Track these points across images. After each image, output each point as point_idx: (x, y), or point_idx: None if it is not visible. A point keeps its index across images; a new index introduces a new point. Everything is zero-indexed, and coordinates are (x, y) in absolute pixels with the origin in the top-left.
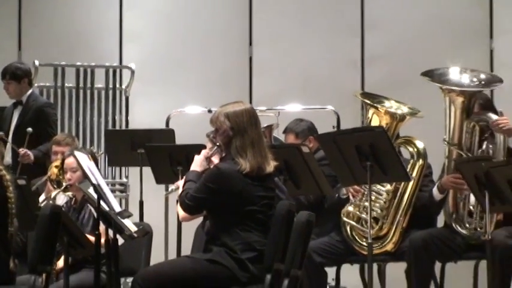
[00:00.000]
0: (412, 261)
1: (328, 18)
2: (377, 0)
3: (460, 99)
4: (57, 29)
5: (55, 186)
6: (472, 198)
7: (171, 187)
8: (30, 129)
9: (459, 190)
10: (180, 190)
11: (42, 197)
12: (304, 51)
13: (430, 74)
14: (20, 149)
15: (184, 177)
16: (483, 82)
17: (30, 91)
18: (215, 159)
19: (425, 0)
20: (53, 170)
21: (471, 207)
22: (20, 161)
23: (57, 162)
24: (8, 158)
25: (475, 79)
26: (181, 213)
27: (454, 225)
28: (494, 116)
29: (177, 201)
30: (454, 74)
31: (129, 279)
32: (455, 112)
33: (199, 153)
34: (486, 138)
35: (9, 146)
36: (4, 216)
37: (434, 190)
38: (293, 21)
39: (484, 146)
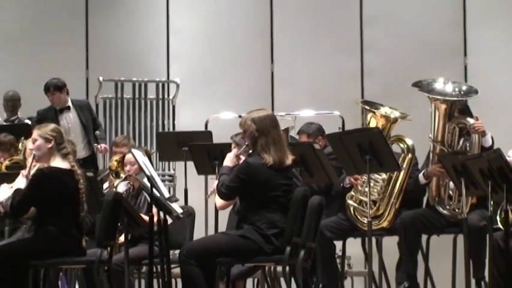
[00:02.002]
0: (403, 235)
1: (334, 40)
2: (373, 26)
3: (443, 106)
4: (117, 50)
5: (113, 176)
6: (451, 184)
7: (210, 190)
8: (98, 132)
9: (441, 178)
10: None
11: (105, 185)
12: (315, 67)
13: (419, 85)
14: (101, 145)
15: (219, 172)
16: (462, 92)
17: (68, 98)
18: (243, 156)
19: (411, 25)
20: (114, 163)
21: (450, 192)
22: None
23: (117, 157)
24: (84, 152)
25: (456, 89)
26: (219, 203)
27: (436, 206)
28: (471, 120)
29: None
30: (439, 85)
31: (177, 251)
32: (439, 116)
33: (230, 151)
34: (464, 137)
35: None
36: (76, 203)
37: (420, 176)
38: (305, 43)
39: (461, 143)
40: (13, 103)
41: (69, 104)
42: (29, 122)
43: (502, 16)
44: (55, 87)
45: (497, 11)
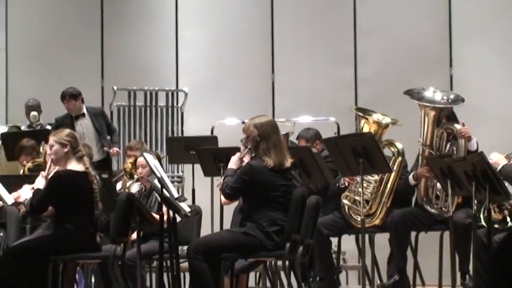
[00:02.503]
0: (394, 232)
1: (330, 52)
2: (366, 39)
3: (432, 113)
4: (130, 61)
5: (128, 177)
6: (439, 185)
7: (219, 180)
8: (109, 137)
9: (429, 179)
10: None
11: (118, 186)
12: (312, 76)
13: (410, 93)
14: (113, 149)
15: (224, 173)
16: (450, 100)
17: (83, 105)
18: (246, 159)
19: (401, 38)
20: (128, 165)
21: (438, 192)
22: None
23: (131, 159)
24: (98, 156)
25: (444, 97)
26: (223, 200)
27: (425, 205)
28: (458, 126)
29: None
30: (429, 93)
31: (185, 247)
32: (428, 122)
33: (234, 154)
34: (451, 141)
35: (96, 147)
36: (91, 202)
37: (410, 178)
38: (304, 54)
39: (448, 147)
40: (34, 110)
41: (84, 111)
42: (50, 128)
43: (484, 31)
44: (70, 96)
45: (480, 26)
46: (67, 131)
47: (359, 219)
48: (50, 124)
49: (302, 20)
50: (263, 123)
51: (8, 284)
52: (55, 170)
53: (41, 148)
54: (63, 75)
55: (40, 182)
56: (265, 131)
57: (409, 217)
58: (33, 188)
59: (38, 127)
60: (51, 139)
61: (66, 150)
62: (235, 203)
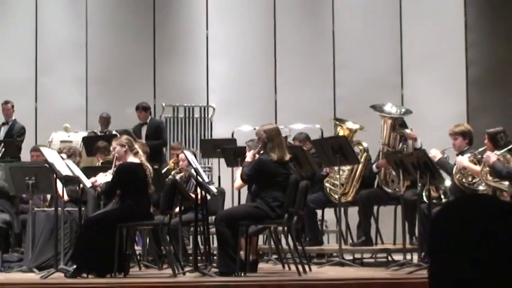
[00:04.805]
0: (361, 206)
1: (316, 79)
2: (341, 69)
3: (389, 121)
4: (175, 85)
5: (173, 168)
6: (393, 172)
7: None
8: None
9: (387, 168)
10: (239, 172)
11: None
12: (304, 96)
13: (373, 107)
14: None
15: (242, 165)
16: (402, 112)
17: (149, 117)
18: (257, 155)
19: (367, 68)
20: (174, 159)
21: (393, 178)
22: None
23: (174, 157)
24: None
25: (398, 110)
26: (237, 184)
27: (383, 187)
28: (408, 131)
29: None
30: (387, 107)
31: (213, 217)
32: (387, 128)
33: (249, 151)
34: (402, 142)
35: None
36: (146, 185)
37: (373, 167)
38: (298, 81)
39: (400, 146)
40: (106, 120)
41: (147, 120)
42: (117, 134)
43: (426, 62)
44: (142, 108)
45: (423, 59)
46: (124, 136)
47: (337, 197)
48: (116, 130)
49: (297, 56)
50: (270, 128)
51: (88, 244)
52: (119, 163)
53: (111, 148)
54: (126, 95)
55: (102, 177)
56: (271, 135)
57: (372, 195)
58: (105, 175)
59: (107, 132)
60: (114, 143)
61: (124, 149)
62: (245, 188)
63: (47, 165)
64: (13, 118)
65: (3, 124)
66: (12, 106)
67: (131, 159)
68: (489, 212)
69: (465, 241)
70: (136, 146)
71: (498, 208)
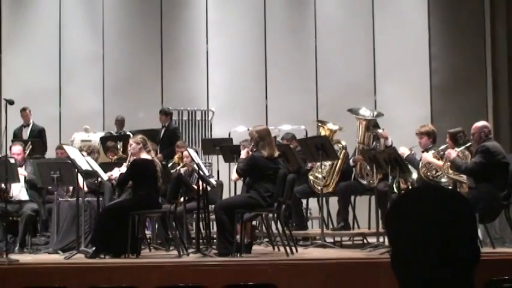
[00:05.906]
0: (340, 195)
1: (301, 86)
2: (322, 78)
3: (364, 122)
4: (179, 91)
5: (178, 163)
6: (368, 167)
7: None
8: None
9: (362, 163)
10: (236, 167)
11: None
12: (291, 101)
13: (350, 110)
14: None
15: (237, 161)
16: (375, 115)
17: (169, 121)
18: (250, 152)
19: (343, 76)
20: (179, 155)
21: (367, 171)
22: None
23: (179, 154)
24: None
25: (371, 113)
26: (233, 177)
27: (359, 179)
28: (380, 131)
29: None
30: (362, 110)
31: (212, 206)
32: (362, 128)
33: (243, 149)
34: (375, 140)
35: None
36: (155, 178)
37: (350, 162)
38: (286, 88)
39: (374, 144)
40: (121, 123)
41: (166, 124)
42: (130, 134)
43: (396, 70)
44: (163, 112)
45: (394, 67)
46: (140, 135)
47: (319, 188)
48: (130, 131)
49: (284, 66)
50: (261, 129)
51: (105, 229)
52: (133, 159)
53: (119, 145)
54: (138, 100)
55: (117, 172)
56: (262, 134)
57: (350, 187)
58: (119, 170)
59: (122, 133)
60: (131, 140)
61: (139, 146)
62: (241, 181)
63: (69, 161)
64: (31, 121)
65: (24, 127)
66: (30, 111)
67: (144, 155)
68: (432, 197)
69: (412, 220)
70: (149, 144)
71: (440, 194)
